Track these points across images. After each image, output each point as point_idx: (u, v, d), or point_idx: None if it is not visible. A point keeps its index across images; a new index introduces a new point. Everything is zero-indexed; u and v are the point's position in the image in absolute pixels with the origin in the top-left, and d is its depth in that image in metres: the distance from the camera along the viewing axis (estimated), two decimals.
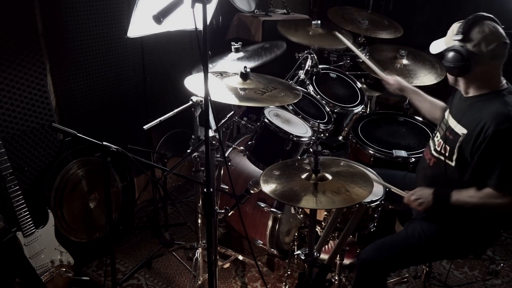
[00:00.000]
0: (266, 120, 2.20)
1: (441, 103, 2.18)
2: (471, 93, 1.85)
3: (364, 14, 3.25)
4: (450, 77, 1.89)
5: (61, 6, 2.34)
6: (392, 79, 2.36)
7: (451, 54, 1.77)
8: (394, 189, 1.95)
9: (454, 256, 2.20)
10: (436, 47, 1.91)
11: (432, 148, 1.98)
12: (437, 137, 1.98)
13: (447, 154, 1.86)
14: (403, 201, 1.92)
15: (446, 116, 1.96)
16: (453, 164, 1.83)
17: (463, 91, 1.89)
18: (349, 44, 2.73)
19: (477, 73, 1.77)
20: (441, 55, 1.86)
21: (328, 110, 2.64)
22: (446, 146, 1.87)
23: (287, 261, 2.52)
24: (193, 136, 2.16)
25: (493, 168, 1.70)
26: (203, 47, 1.37)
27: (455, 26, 1.81)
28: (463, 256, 2.25)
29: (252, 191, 1.91)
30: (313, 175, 1.61)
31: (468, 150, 1.76)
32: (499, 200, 1.70)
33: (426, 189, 1.87)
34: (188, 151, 2.06)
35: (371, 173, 2.06)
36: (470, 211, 1.82)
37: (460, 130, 1.81)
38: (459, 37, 1.74)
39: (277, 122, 2.22)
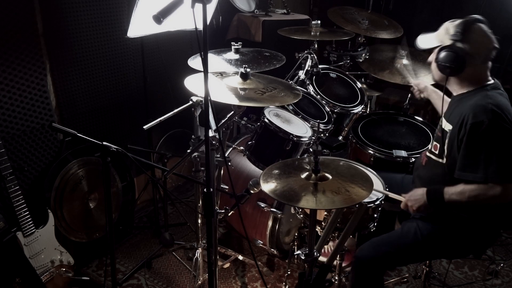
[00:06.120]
0: (266, 120, 2.20)
1: None
2: (459, 91, 1.88)
3: (364, 14, 3.25)
4: (439, 75, 1.90)
5: (61, 6, 2.34)
6: (422, 85, 2.42)
7: (447, 53, 1.78)
8: (392, 195, 1.95)
9: (453, 255, 2.20)
10: (426, 42, 1.92)
11: (427, 149, 2.00)
12: (433, 138, 2.01)
13: (437, 152, 1.89)
14: (401, 206, 1.92)
15: (441, 117, 1.98)
16: (444, 161, 1.85)
17: (453, 90, 1.92)
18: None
19: (467, 74, 1.80)
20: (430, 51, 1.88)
21: (328, 110, 2.64)
22: (437, 144, 1.90)
23: (287, 261, 2.52)
24: (193, 136, 2.16)
25: (477, 161, 1.70)
26: (203, 47, 1.37)
27: (450, 25, 1.81)
28: (463, 256, 2.26)
29: (252, 191, 1.91)
30: (313, 175, 1.61)
31: (455, 145, 1.78)
32: (490, 192, 1.70)
33: (419, 190, 1.87)
34: (188, 151, 2.06)
35: (372, 175, 2.06)
36: (467, 209, 1.83)
37: (447, 126, 1.84)
38: (458, 37, 1.75)
39: (277, 122, 2.22)
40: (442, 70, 1.84)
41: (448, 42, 1.79)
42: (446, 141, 1.82)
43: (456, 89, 1.90)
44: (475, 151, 1.71)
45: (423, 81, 2.47)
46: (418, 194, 1.85)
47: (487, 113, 1.68)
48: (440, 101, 2.24)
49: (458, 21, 1.79)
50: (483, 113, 1.69)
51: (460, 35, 1.75)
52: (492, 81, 1.83)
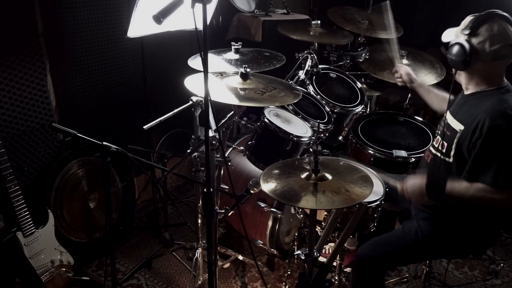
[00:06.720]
0: (266, 120, 2.20)
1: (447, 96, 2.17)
2: (470, 89, 1.86)
3: (364, 14, 3.25)
4: (451, 69, 1.90)
5: (61, 6, 2.34)
6: (403, 70, 2.40)
7: (455, 47, 1.77)
8: (390, 180, 1.96)
9: (454, 255, 2.20)
10: (448, 35, 1.89)
11: (431, 145, 1.99)
12: (436, 134, 1.99)
13: (444, 151, 1.87)
14: (398, 190, 1.90)
15: (445, 114, 1.97)
16: (451, 160, 1.84)
17: (464, 86, 1.90)
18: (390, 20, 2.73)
19: (477, 70, 1.78)
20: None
21: (328, 110, 2.64)
22: (444, 142, 1.88)
23: (287, 261, 2.52)
24: (193, 136, 2.16)
25: (489, 165, 1.70)
26: (203, 47, 1.37)
27: (467, 19, 1.79)
28: (463, 256, 2.25)
29: (252, 191, 1.91)
30: (313, 175, 1.61)
31: (465, 146, 1.76)
32: (496, 196, 1.70)
33: (418, 178, 1.84)
34: (188, 151, 2.06)
35: (368, 170, 2.06)
36: (469, 209, 1.82)
37: (457, 126, 1.82)
38: (467, 31, 1.73)
39: (277, 122, 2.22)
40: (450, 63, 1.83)
41: (460, 36, 1.78)
42: (456, 140, 1.80)
43: (466, 86, 1.88)
44: (488, 155, 1.70)
45: (408, 70, 2.40)
46: (418, 182, 1.81)
47: (505, 117, 1.67)
48: (431, 96, 2.25)
49: (475, 15, 1.75)
50: (501, 117, 1.67)
51: (469, 29, 1.72)
52: (505, 83, 1.81)
